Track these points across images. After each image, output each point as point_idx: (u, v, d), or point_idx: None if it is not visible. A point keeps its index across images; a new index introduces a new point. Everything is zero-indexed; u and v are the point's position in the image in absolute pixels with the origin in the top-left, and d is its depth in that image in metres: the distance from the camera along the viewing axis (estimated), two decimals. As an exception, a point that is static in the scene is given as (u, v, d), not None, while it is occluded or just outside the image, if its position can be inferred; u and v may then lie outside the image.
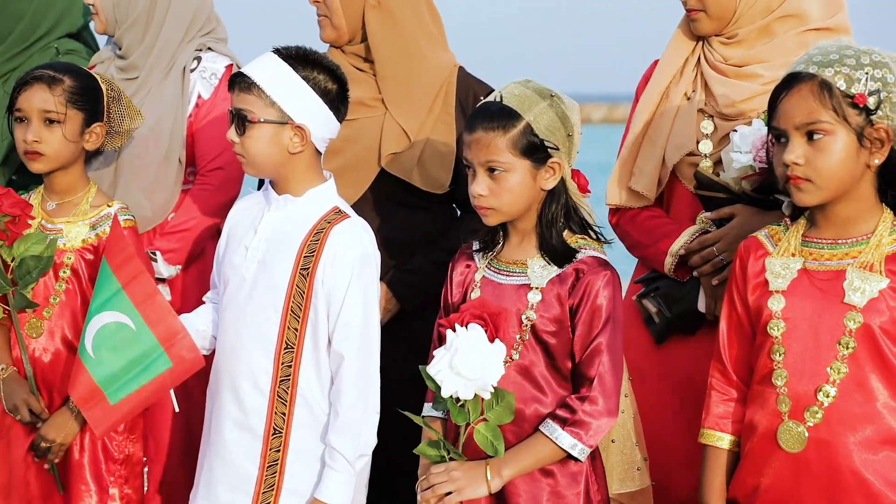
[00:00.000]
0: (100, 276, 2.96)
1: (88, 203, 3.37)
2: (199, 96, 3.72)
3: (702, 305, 3.27)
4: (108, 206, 3.38)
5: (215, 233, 3.72)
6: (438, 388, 2.71)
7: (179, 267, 3.65)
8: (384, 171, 3.48)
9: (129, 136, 3.47)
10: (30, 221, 3.27)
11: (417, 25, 3.55)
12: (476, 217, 3.51)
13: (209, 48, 3.76)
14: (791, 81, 2.67)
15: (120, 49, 3.75)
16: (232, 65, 3.75)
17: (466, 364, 2.67)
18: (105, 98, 3.39)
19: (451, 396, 2.71)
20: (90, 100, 3.34)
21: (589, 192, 2.97)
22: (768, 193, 3.10)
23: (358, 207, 3.26)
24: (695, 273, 3.26)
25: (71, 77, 3.31)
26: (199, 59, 3.74)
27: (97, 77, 3.41)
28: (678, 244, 3.26)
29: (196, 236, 3.67)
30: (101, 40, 3.96)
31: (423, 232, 3.52)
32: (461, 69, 3.61)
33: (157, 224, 3.65)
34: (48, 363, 3.31)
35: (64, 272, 3.31)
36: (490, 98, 2.86)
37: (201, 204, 3.68)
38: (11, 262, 3.19)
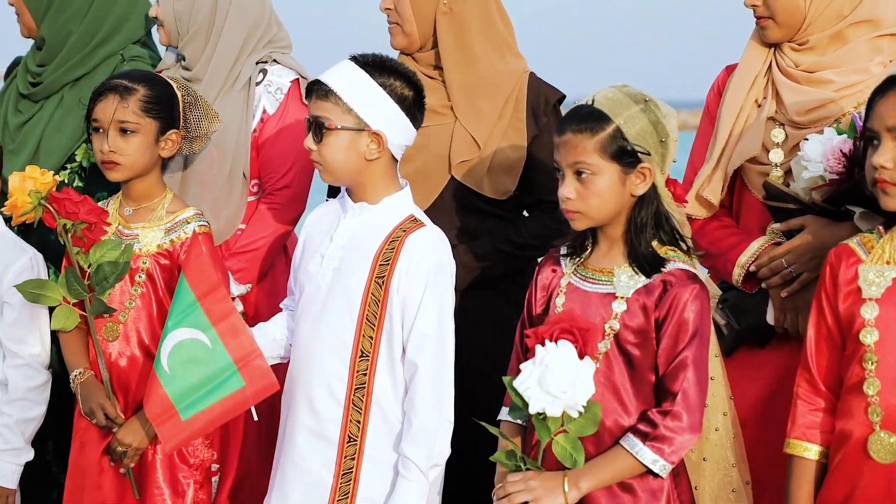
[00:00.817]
0: (177, 292, 2.96)
1: (164, 209, 3.38)
2: (265, 111, 3.71)
3: (770, 318, 3.24)
4: (184, 212, 3.39)
5: (283, 250, 3.74)
6: (525, 403, 2.67)
7: (250, 286, 3.65)
8: (454, 178, 3.49)
9: (208, 139, 3.48)
10: (106, 228, 3.28)
11: (488, 32, 3.56)
12: (541, 219, 3.54)
13: (275, 60, 3.76)
14: (889, 84, 2.65)
15: (184, 60, 3.76)
16: (298, 79, 3.74)
17: (556, 382, 2.63)
18: (181, 104, 3.40)
19: (537, 413, 2.67)
20: (165, 107, 3.35)
21: (685, 202, 2.95)
22: (839, 204, 3.08)
23: (428, 215, 3.26)
24: (763, 285, 3.24)
25: (146, 86, 3.33)
26: (264, 71, 3.74)
27: (173, 83, 3.42)
28: (746, 256, 3.24)
29: (264, 255, 3.66)
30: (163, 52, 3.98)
31: (495, 231, 3.53)
32: (532, 75, 3.62)
33: (226, 238, 3.65)
34: (124, 367, 3.32)
35: (139, 277, 3.33)
36: (583, 101, 2.85)
37: (269, 222, 3.67)
38: (88, 268, 3.21)
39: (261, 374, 2.95)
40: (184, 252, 3.30)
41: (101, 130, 3.32)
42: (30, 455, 3.37)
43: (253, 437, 3.56)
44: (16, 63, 4.11)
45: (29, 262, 3.34)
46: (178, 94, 3.40)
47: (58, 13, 3.81)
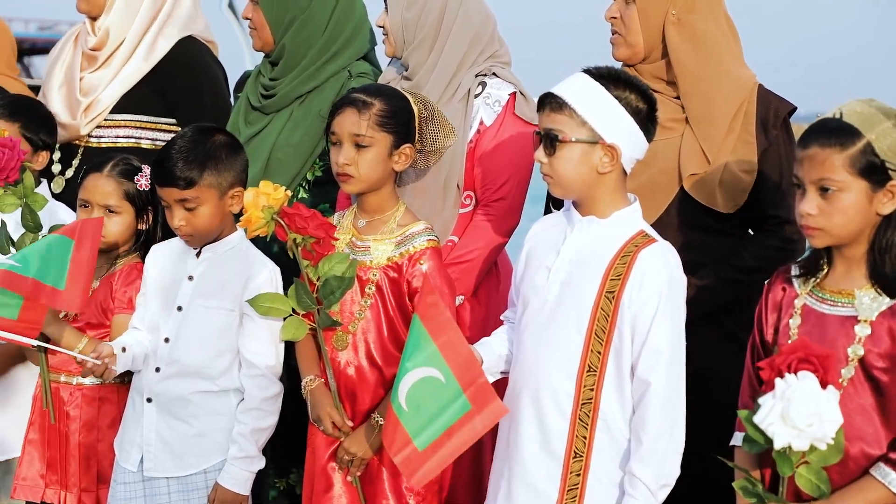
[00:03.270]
0: (413, 333, 2.97)
1: (396, 222, 3.41)
2: (482, 122, 3.71)
3: None
4: (414, 225, 3.41)
5: (496, 261, 3.75)
6: (766, 438, 2.54)
7: (463, 297, 3.66)
8: (680, 194, 3.42)
9: (443, 153, 3.49)
10: (335, 242, 3.33)
11: (719, 41, 3.49)
12: (764, 240, 3.43)
13: (494, 73, 3.76)
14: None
15: (406, 70, 3.80)
16: (516, 93, 3.73)
17: (801, 415, 2.49)
18: (417, 118, 3.43)
19: (782, 448, 2.54)
20: (400, 122, 3.38)
21: None
22: None
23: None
24: None
25: (382, 100, 3.36)
26: (483, 84, 3.74)
27: (410, 98, 3.44)
28: None
29: (479, 267, 3.66)
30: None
31: (717, 256, 3.44)
32: (761, 86, 3.53)
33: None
34: (352, 376, 3.36)
35: (369, 288, 3.36)
36: (829, 114, 2.75)
37: (483, 234, 3.67)
38: (317, 281, 3.26)
39: (487, 398, 2.93)
40: (412, 265, 3.32)
41: (337, 143, 3.37)
42: (261, 463, 3.44)
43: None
44: (245, 76, 4.24)
45: (269, 275, 3.41)
46: (415, 108, 3.42)
47: (300, 28, 3.91)
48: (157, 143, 4.11)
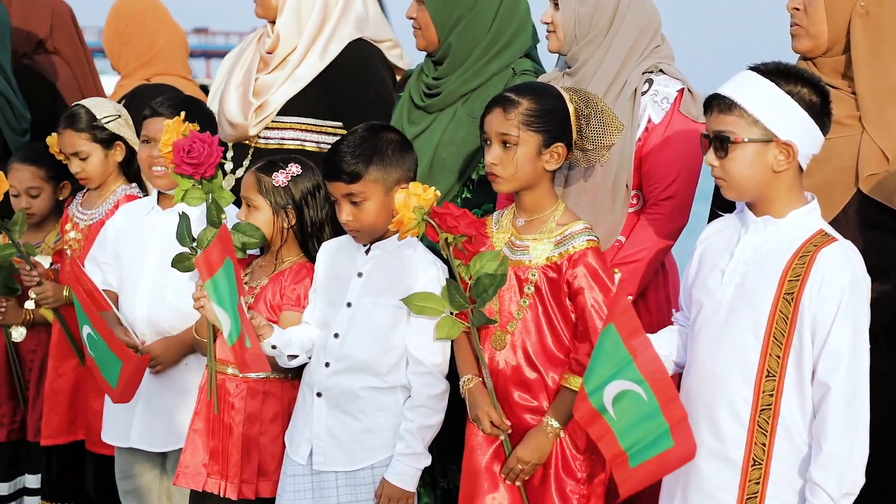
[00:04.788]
0: (607, 340, 2.93)
1: (555, 221, 3.37)
2: (650, 120, 3.64)
3: None
4: (573, 224, 3.36)
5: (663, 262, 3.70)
6: None
7: (630, 297, 3.60)
8: (859, 193, 3.32)
9: (608, 150, 3.44)
10: (492, 240, 3.32)
11: None
12: None
13: (661, 70, 3.70)
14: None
15: (570, 67, 3.75)
16: (683, 89, 3.66)
17: None
18: (574, 116, 3.38)
19: None
20: (550, 121, 3.33)
21: None
22: None
23: (829, 231, 3.11)
24: None
25: (532, 99, 3.32)
26: (650, 81, 3.68)
27: (565, 96, 3.39)
28: None
29: (645, 267, 3.61)
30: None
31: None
32: None
33: (604, 250, 3.62)
34: (509, 376, 3.35)
35: (528, 289, 3.33)
36: None
37: (652, 234, 3.62)
38: (469, 279, 3.25)
39: (686, 439, 2.90)
40: (572, 266, 3.28)
41: (488, 142, 3.36)
42: (427, 461, 3.44)
43: None
44: (406, 77, 4.25)
45: (436, 273, 3.41)
46: (571, 106, 3.37)
47: (467, 27, 3.90)
48: (322, 145, 4.15)
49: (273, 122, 4.21)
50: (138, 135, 4.14)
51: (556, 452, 3.30)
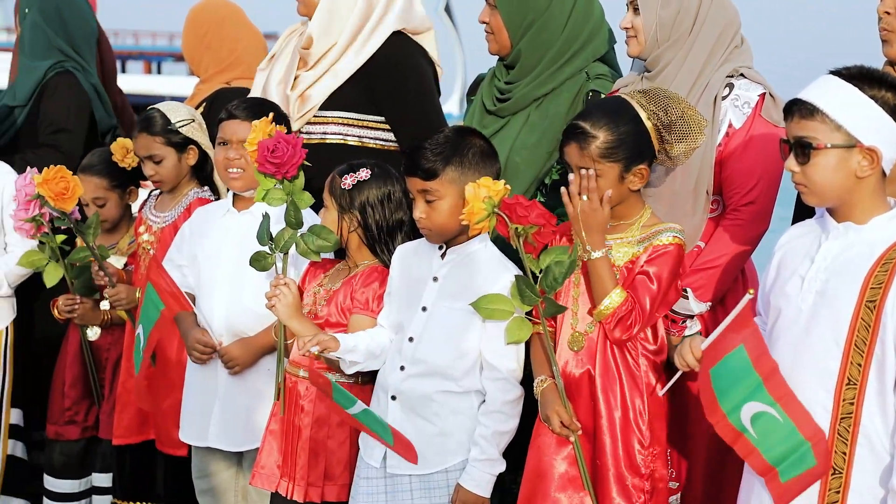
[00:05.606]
0: (737, 359, 2.92)
1: (640, 225, 3.38)
2: (730, 125, 3.60)
3: None
4: (660, 225, 3.37)
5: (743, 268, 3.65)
6: None
7: (709, 304, 3.58)
8: None
9: (694, 151, 3.41)
10: (554, 231, 3.32)
11: None
12: None
13: (741, 74, 3.66)
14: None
15: (649, 71, 3.71)
16: (765, 93, 3.61)
17: None
18: (653, 133, 3.34)
19: None
20: (628, 147, 3.30)
21: None
22: None
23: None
24: None
25: (606, 130, 3.28)
26: (730, 85, 3.64)
27: (643, 114, 3.35)
28: None
29: (723, 273, 3.57)
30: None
31: None
32: None
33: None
34: (577, 378, 3.35)
35: None
36: None
37: (732, 239, 3.58)
38: (539, 273, 3.24)
39: (828, 459, 2.87)
40: (649, 255, 3.30)
41: (570, 168, 3.36)
42: (502, 466, 3.42)
43: (699, 452, 3.52)
44: (478, 81, 4.24)
45: (511, 278, 3.38)
46: (649, 123, 3.34)
47: (539, 31, 3.88)
48: (364, 140, 4.15)
49: (315, 116, 4.20)
50: (214, 138, 4.17)
51: (620, 447, 3.30)
